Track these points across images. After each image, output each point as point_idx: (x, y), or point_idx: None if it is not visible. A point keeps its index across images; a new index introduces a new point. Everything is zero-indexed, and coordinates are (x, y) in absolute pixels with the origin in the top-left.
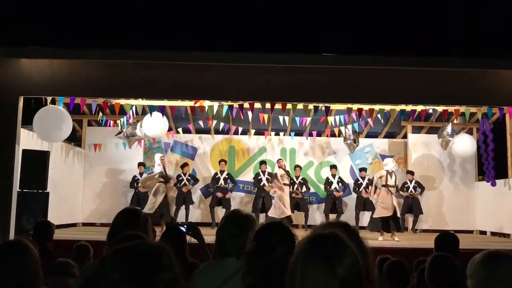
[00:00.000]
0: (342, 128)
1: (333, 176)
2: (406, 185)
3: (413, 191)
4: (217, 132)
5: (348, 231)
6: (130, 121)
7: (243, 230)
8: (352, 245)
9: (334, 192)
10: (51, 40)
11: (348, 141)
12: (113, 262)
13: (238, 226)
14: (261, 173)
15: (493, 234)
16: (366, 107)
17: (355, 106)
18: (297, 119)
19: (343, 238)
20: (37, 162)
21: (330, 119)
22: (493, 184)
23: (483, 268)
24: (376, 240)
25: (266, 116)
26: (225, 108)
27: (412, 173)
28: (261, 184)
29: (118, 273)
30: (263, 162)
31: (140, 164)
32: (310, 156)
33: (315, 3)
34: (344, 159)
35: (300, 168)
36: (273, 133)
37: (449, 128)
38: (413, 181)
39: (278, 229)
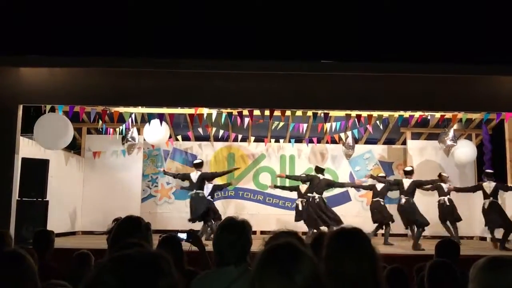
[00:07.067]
0: (342, 135)
1: None
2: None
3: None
4: (216, 139)
5: (299, 239)
6: (130, 128)
7: (240, 238)
8: (308, 253)
9: None
10: (51, 49)
11: (349, 149)
12: (111, 269)
13: (234, 234)
14: None
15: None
16: (364, 113)
17: (353, 113)
18: (292, 125)
19: (298, 246)
20: (37, 170)
21: (326, 125)
22: None
23: (485, 274)
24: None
25: (261, 122)
26: (224, 115)
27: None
28: None
29: (115, 280)
30: None
31: None
32: (309, 162)
33: (314, 11)
34: (343, 165)
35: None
36: (273, 140)
37: (451, 134)
38: None
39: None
